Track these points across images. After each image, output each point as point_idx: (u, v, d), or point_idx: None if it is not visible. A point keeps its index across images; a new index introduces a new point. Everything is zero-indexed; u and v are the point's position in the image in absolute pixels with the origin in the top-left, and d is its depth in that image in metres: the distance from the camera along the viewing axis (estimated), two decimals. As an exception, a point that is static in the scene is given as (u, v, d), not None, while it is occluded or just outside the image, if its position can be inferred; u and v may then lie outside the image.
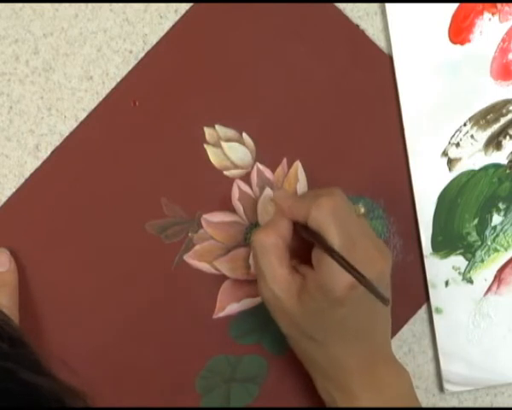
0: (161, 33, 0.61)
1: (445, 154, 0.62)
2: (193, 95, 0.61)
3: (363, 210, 0.55)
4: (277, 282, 0.54)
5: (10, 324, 0.43)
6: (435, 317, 0.62)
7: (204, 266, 0.61)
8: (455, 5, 0.61)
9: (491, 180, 0.62)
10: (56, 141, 0.61)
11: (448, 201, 0.62)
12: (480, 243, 0.62)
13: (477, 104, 0.62)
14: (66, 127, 0.61)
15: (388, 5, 0.61)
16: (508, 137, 0.62)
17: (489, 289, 0.62)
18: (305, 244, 0.55)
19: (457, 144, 0.62)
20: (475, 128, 0.62)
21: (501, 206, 0.62)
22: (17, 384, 0.37)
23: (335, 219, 0.52)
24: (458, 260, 0.62)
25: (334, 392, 0.56)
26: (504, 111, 0.62)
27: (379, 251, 0.54)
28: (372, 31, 0.62)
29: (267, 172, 0.62)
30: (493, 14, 0.61)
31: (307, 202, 0.54)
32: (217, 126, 0.61)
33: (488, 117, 0.62)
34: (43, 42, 0.61)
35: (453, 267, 0.62)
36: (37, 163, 0.61)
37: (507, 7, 0.61)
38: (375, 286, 0.50)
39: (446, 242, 0.62)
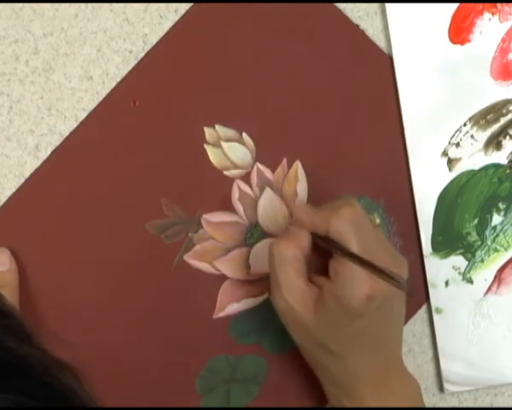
0: (161, 33, 0.61)
1: (445, 154, 0.62)
2: (193, 95, 0.61)
3: (378, 221, 0.56)
4: (293, 293, 0.54)
5: None
6: (435, 317, 0.62)
7: (204, 266, 0.61)
8: (455, 5, 0.61)
9: (491, 180, 0.62)
10: (56, 141, 0.61)
11: (448, 201, 0.62)
12: (480, 243, 0.62)
13: (477, 104, 0.62)
14: (66, 127, 0.61)
15: (388, 5, 0.61)
16: (508, 137, 0.62)
17: (489, 289, 0.62)
18: (321, 256, 0.55)
19: (457, 144, 0.62)
20: (475, 128, 0.62)
21: (501, 206, 0.62)
22: (5, 353, 0.37)
23: (355, 229, 0.53)
24: (458, 260, 0.62)
25: (343, 399, 0.56)
26: (504, 111, 0.62)
27: (394, 259, 0.54)
28: (372, 31, 0.62)
29: (267, 172, 0.62)
30: (493, 14, 0.61)
31: (326, 212, 0.54)
32: (217, 126, 0.61)
33: (488, 117, 0.62)
34: (43, 42, 0.61)
35: (453, 267, 0.62)
36: (37, 163, 0.61)
37: (507, 7, 0.61)
38: (403, 280, 0.52)
39: (446, 242, 0.62)
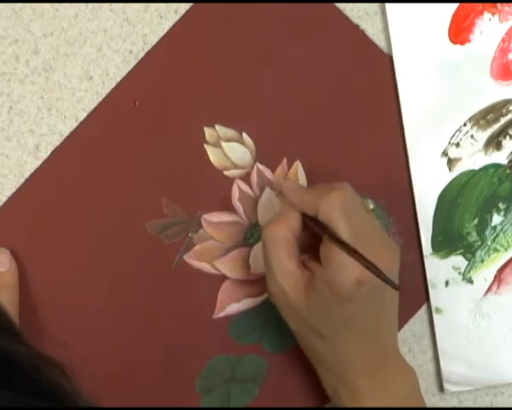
0: (161, 33, 0.61)
1: (445, 154, 0.62)
2: (193, 95, 0.61)
3: (372, 206, 0.56)
4: (285, 276, 0.54)
5: None
6: (435, 317, 0.62)
7: (204, 266, 0.61)
8: (455, 5, 0.61)
9: (491, 180, 0.62)
10: (56, 141, 0.61)
11: (448, 201, 0.62)
12: (480, 243, 0.62)
13: (477, 104, 0.62)
14: (66, 127, 0.61)
15: (388, 5, 0.61)
16: (508, 137, 0.62)
17: (489, 289, 0.62)
18: (314, 238, 0.55)
19: (457, 144, 0.62)
20: (475, 128, 0.62)
21: (501, 206, 0.62)
22: None
23: (344, 214, 0.52)
24: (458, 260, 0.62)
25: (339, 388, 0.56)
26: (504, 111, 0.62)
27: (387, 246, 0.54)
28: (372, 31, 0.62)
29: (267, 172, 0.62)
30: (493, 14, 0.61)
31: (317, 194, 0.54)
32: (217, 126, 0.61)
33: (488, 117, 0.62)
34: (43, 42, 0.61)
35: (453, 267, 0.62)
36: (37, 163, 0.61)
37: (507, 7, 0.61)
38: (385, 274, 0.51)
39: (446, 242, 0.62)
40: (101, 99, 0.61)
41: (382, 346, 0.56)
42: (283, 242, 0.54)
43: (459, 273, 0.62)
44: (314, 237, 0.55)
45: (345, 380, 0.56)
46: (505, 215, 0.62)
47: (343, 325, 0.54)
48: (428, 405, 0.63)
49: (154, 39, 0.61)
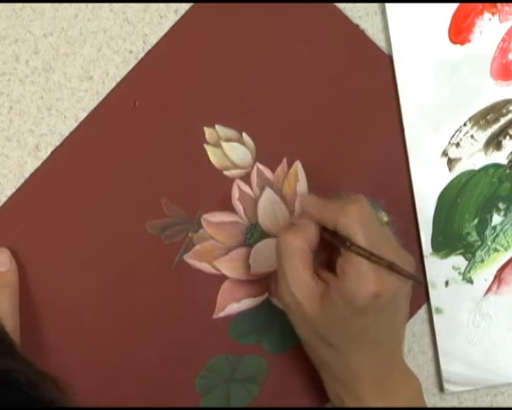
0: (161, 33, 0.61)
1: (445, 154, 0.62)
2: (193, 95, 0.61)
3: (386, 219, 0.56)
4: (299, 286, 0.54)
5: None
6: (435, 317, 0.62)
7: (204, 266, 0.61)
8: (455, 5, 0.61)
9: (491, 180, 0.62)
10: (56, 141, 0.61)
11: (448, 201, 0.62)
12: (480, 243, 0.62)
13: (477, 104, 0.62)
14: (67, 127, 0.61)
15: (388, 5, 0.61)
16: (508, 137, 0.62)
17: (489, 289, 0.62)
18: (328, 252, 0.55)
19: (457, 144, 0.62)
20: (475, 128, 0.62)
21: (501, 206, 0.62)
22: None
23: (363, 226, 0.53)
24: (458, 260, 0.62)
25: (343, 395, 0.56)
26: (504, 111, 0.62)
27: (402, 258, 0.54)
28: (372, 31, 0.62)
29: (267, 172, 0.62)
30: (493, 14, 0.61)
31: (335, 208, 0.54)
32: (217, 126, 0.61)
33: (488, 117, 0.62)
34: (43, 42, 0.61)
35: (453, 267, 0.62)
36: (37, 163, 0.61)
37: (507, 7, 0.61)
38: (410, 272, 0.52)
39: (446, 242, 0.62)
40: (101, 99, 0.61)
41: (390, 356, 0.56)
42: (299, 252, 0.54)
43: (459, 273, 0.62)
44: (328, 252, 0.55)
45: (350, 389, 0.56)
46: (505, 215, 0.62)
47: (356, 337, 0.54)
48: (428, 405, 0.63)
49: (154, 39, 0.61)
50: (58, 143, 0.61)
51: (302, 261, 0.54)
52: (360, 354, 0.55)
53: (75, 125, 0.61)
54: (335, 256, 0.54)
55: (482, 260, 0.62)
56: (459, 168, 0.62)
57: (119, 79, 0.61)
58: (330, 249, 0.55)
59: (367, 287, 0.52)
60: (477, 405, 0.63)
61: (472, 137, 0.62)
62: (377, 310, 0.53)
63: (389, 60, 0.62)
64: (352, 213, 0.53)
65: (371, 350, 0.55)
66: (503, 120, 0.62)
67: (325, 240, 0.55)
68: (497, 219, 0.62)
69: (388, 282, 0.52)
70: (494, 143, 0.62)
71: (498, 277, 0.62)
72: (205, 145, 0.61)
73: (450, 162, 0.62)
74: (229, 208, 0.61)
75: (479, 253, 0.62)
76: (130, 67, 0.61)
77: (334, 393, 0.57)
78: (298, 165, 0.62)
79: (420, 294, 0.62)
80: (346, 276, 0.53)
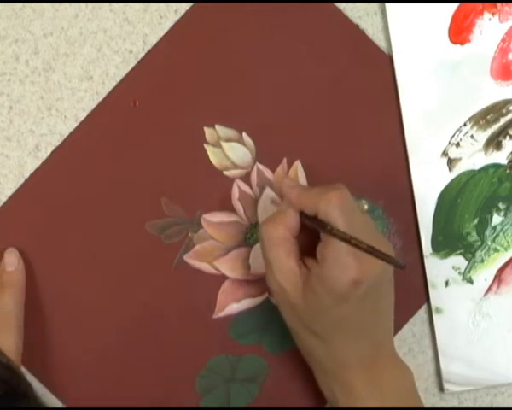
0: (161, 33, 0.61)
1: (445, 154, 0.62)
2: (193, 95, 0.61)
3: (366, 207, 0.56)
4: (284, 274, 0.54)
5: None
6: (435, 317, 0.62)
7: (204, 266, 0.61)
8: (455, 5, 0.61)
9: (491, 180, 0.62)
10: (56, 141, 0.61)
11: (448, 201, 0.62)
12: (480, 243, 0.62)
13: (477, 104, 0.62)
14: (67, 127, 0.61)
15: (388, 5, 0.61)
16: (508, 137, 0.62)
17: (489, 289, 0.62)
18: (311, 238, 0.55)
19: (457, 144, 0.62)
20: (475, 128, 0.62)
21: (501, 206, 0.62)
22: None
23: (343, 212, 0.53)
24: (458, 260, 0.62)
25: (334, 386, 0.56)
26: (504, 111, 0.62)
27: (382, 244, 0.54)
28: (372, 31, 0.62)
29: (267, 172, 0.62)
30: (493, 14, 0.61)
31: (316, 193, 0.54)
32: (217, 126, 0.61)
33: (488, 117, 0.62)
34: (43, 42, 0.61)
35: (453, 267, 0.62)
36: (37, 163, 0.61)
37: (507, 7, 0.61)
38: (390, 255, 0.52)
39: (446, 242, 0.62)
40: (101, 99, 0.61)
41: (377, 345, 0.56)
42: (282, 241, 0.54)
43: (459, 273, 0.62)
44: (311, 239, 0.55)
45: (339, 379, 0.56)
46: (505, 215, 0.62)
47: (339, 325, 0.54)
48: (428, 405, 0.63)
49: (154, 39, 0.61)
50: (58, 143, 0.61)
51: (285, 250, 0.54)
52: (344, 343, 0.55)
53: (75, 125, 0.61)
54: (317, 242, 0.54)
55: (482, 260, 0.62)
56: (459, 168, 0.62)
57: (119, 79, 0.61)
58: (314, 236, 0.55)
59: (347, 273, 0.52)
60: (477, 405, 0.63)
61: (472, 137, 0.62)
62: (358, 297, 0.53)
63: (389, 60, 0.62)
64: (333, 199, 0.53)
65: (356, 338, 0.55)
66: (503, 120, 0.62)
67: (306, 226, 0.55)
68: (497, 219, 0.62)
69: (369, 268, 0.52)
70: (494, 143, 0.62)
71: (498, 277, 0.62)
72: (205, 145, 0.61)
73: (450, 162, 0.62)
74: (229, 208, 0.61)
75: (479, 253, 0.62)
76: (130, 67, 0.61)
77: (327, 388, 0.57)
78: (298, 165, 0.62)
79: (420, 294, 0.62)
80: (326, 262, 0.53)
